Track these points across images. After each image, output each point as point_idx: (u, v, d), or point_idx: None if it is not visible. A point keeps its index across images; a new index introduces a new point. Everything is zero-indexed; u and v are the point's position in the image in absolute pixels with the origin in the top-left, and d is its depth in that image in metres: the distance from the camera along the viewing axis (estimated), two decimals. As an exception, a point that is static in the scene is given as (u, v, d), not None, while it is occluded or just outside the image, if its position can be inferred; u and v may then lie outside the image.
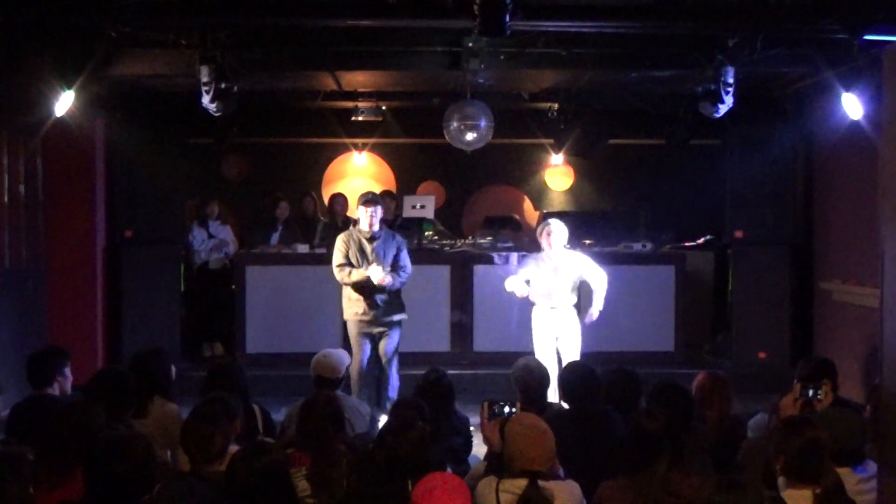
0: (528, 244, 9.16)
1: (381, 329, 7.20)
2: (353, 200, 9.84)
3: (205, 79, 6.81)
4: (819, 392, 4.53)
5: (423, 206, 9.51)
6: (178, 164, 9.29)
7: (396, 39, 7.15)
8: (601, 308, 7.33)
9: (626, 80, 8.14)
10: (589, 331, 7.47)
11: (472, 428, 5.34)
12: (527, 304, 7.53)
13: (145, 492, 3.19)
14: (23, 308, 8.12)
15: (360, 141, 11.02)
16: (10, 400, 5.60)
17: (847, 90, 7.28)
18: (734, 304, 9.33)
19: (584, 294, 7.60)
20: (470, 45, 6.87)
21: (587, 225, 9.65)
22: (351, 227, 7.45)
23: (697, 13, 6.19)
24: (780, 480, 3.62)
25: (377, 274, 7.01)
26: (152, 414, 4.81)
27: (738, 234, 9.23)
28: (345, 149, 11.20)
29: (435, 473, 3.53)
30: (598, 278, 7.36)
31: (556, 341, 7.34)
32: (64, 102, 7.08)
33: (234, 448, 3.74)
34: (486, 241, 9.31)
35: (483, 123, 8.14)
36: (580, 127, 9.56)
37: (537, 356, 7.23)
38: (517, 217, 10.92)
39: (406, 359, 7.45)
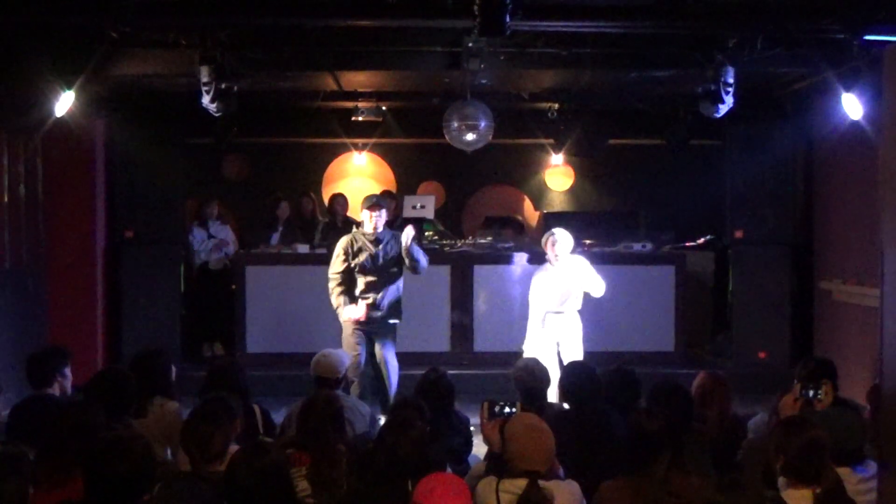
0: (529, 244, 9.18)
1: (375, 331, 7.18)
2: (353, 200, 9.86)
3: (205, 79, 6.80)
4: (819, 392, 4.53)
5: (423, 206, 9.51)
6: (178, 164, 9.28)
7: (396, 39, 7.14)
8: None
9: (626, 80, 8.14)
10: (589, 331, 7.47)
11: (472, 428, 5.34)
12: (527, 304, 7.53)
13: (145, 492, 3.18)
14: (23, 308, 8.11)
15: (360, 141, 11.02)
16: (10, 400, 5.60)
17: (847, 90, 7.27)
18: (734, 304, 9.33)
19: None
20: (470, 45, 6.86)
21: (587, 225, 9.66)
22: (354, 229, 7.45)
23: (697, 13, 6.19)
24: (780, 480, 3.62)
25: (356, 313, 7.03)
26: (152, 414, 4.81)
27: (738, 234, 9.23)
28: (345, 149, 11.20)
29: (435, 473, 3.54)
30: (596, 288, 7.35)
31: (558, 346, 7.35)
32: (64, 102, 7.08)
33: (234, 448, 3.74)
34: (487, 241, 9.32)
35: (483, 123, 8.14)
36: (580, 127, 9.57)
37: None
38: (520, 219, 10.94)
39: (406, 359, 7.45)
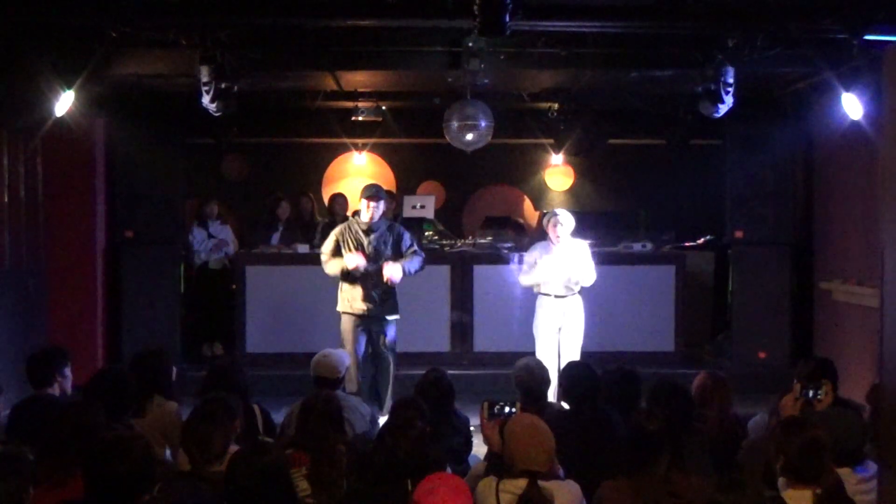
0: (529, 245, 9.17)
1: (374, 325, 7.20)
2: (353, 200, 9.85)
3: (205, 79, 6.80)
4: (819, 392, 4.53)
5: (423, 206, 9.52)
6: (178, 164, 9.28)
7: (396, 39, 7.14)
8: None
9: (626, 80, 8.14)
10: (589, 330, 7.47)
11: (472, 428, 5.34)
12: (527, 304, 7.53)
13: (145, 492, 3.18)
14: (23, 308, 8.11)
15: (360, 141, 11.02)
16: (10, 400, 5.59)
17: (847, 90, 7.27)
18: (734, 304, 9.32)
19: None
20: (470, 45, 6.87)
21: (587, 225, 9.63)
22: (350, 218, 7.47)
23: (697, 13, 6.19)
24: (780, 480, 3.62)
25: (353, 261, 7.05)
26: (152, 414, 4.82)
27: (738, 234, 9.23)
28: (345, 149, 11.20)
29: (435, 473, 3.54)
30: (587, 276, 7.35)
31: (559, 332, 7.33)
32: (64, 102, 7.07)
33: (234, 448, 3.74)
34: (486, 240, 9.32)
35: (483, 123, 8.14)
36: (580, 127, 9.57)
37: (538, 348, 7.28)
38: (521, 220, 10.94)
39: (406, 359, 7.45)
